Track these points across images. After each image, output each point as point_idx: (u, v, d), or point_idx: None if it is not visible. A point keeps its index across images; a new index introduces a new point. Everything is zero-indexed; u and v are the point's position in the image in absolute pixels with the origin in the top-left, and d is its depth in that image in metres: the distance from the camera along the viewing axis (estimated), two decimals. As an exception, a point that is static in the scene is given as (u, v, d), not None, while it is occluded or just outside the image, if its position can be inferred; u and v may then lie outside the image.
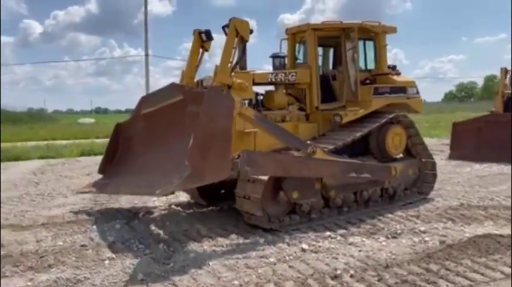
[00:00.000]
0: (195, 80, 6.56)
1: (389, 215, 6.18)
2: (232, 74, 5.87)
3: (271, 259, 4.52)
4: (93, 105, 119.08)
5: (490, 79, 71.78)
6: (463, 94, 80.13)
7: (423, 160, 7.26)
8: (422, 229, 5.44)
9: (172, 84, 5.63)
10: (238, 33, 5.81)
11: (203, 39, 6.42)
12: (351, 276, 4.10)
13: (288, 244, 4.99)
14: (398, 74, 7.20)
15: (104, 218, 6.08)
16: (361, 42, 7.07)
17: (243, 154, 4.97)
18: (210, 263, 4.37)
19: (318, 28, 6.81)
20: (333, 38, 7.13)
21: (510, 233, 5.16)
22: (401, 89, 7.05)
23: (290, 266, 4.35)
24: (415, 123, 7.09)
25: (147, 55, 27.38)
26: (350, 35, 6.84)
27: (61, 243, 5.10)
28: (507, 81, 13.19)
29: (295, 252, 4.72)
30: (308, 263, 4.43)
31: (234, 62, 5.84)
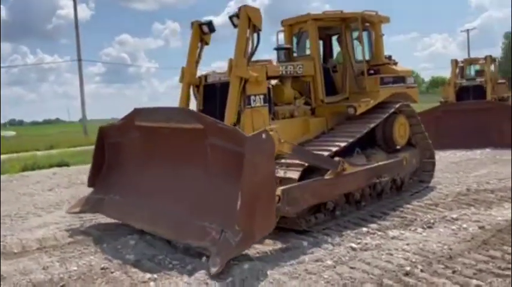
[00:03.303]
0: (197, 76, 6.04)
1: (408, 206, 6.09)
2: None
3: (328, 262, 4.18)
4: (7, 117, 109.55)
5: (408, 75, 76.51)
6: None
7: (422, 148, 7.31)
8: (453, 216, 5.40)
9: (188, 110, 5.19)
10: (250, 22, 5.38)
11: (204, 31, 5.92)
12: (422, 271, 3.89)
13: (333, 244, 4.68)
14: (395, 63, 7.18)
15: (108, 236, 5.32)
16: (357, 33, 6.93)
17: (283, 195, 4.64)
18: (269, 273, 3.94)
19: (319, 18, 6.57)
20: (330, 28, 6.94)
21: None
22: (402, 78, 7.03)
23: (352, 268, 4.04)
24: (416, 113, 7.12)
25: (80, 60, 25.75)
26: (351, 26, 6.69)
27: (75, 268, 4.36)
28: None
29: (348, 252, 4.43)
30: (368, 262, 4.15)
31: (249, 53, 5.41)
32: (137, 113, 5.51)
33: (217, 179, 4.50)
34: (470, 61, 14.96)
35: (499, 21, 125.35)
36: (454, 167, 9.35)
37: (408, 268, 3.93)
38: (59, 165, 13.97)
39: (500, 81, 15.17)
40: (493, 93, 13.69)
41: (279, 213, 4.52)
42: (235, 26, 5.54)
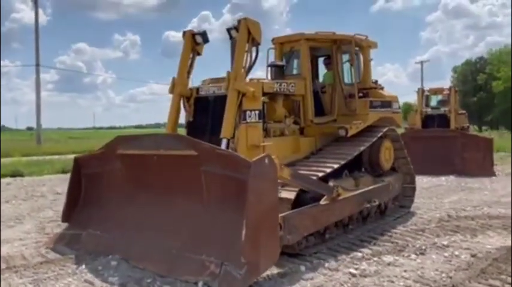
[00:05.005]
0: (188, 88, 5.78)
1: (396, 231, 6.05)
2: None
3: (332, 289, 4.00)
4: None
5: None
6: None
7: (403, 173, 7.36)
8: (444, 243, 5.38)
9: (180, 136, 4.89)
10: (249, 35, 5.22)
11: (197, 41, 5.70)
12: (428, 300, 3.79)
13: (330, 269, 4.51)
14: (382, 88, 7.23)
15: (85, 255, 4.86)
16: (346, 56, 6.92)
17: (284, 223, 4.43)
18: (272, 300, 3.70)
19: (312, 38, 6.51)
20: (319, 49, 6.91)
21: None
22: (388, 103, 7.08)
23: (357, 295, 3.88)
24: (400, 137, 7.18)
25: (38, 65, 24.59)
26: (342, 48, 6.69)
27: (53, 291, 3.93)
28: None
29: (349, 278, 4.26)
30: (371, 289, 4.00)
31: (247, 67, 5.23)
32: (120, 141, 5.14)
33: (213, 209, 4.24)
34: (435, 91, 15.54)
35: (447, 55, 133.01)
36: (426, 192, 9.50)
37: (414, 297, 3.82)
38: (13, 175, 13.18)
39: (460, 111, 15.82)
40: (455, 122, 14.23)
41: (282, 242, 4.31)
42: (232, 38, 5.37)
